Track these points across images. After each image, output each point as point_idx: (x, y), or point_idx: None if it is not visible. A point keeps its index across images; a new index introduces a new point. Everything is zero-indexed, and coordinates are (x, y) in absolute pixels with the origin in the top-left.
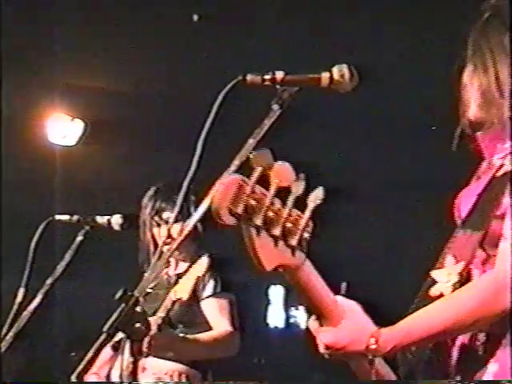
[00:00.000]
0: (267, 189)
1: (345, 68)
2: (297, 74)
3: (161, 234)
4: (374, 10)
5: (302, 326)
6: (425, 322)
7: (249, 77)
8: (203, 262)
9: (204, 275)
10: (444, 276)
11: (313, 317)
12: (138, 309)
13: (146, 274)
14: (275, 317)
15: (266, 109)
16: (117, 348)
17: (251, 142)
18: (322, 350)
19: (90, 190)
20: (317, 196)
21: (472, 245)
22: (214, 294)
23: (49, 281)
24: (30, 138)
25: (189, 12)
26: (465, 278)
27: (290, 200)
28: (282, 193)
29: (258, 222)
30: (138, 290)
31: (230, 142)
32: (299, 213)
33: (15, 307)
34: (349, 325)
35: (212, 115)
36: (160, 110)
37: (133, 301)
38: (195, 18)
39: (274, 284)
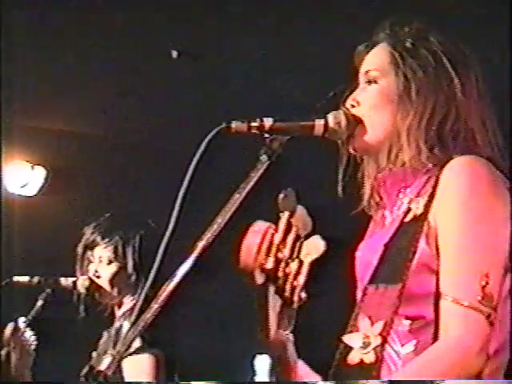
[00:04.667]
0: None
1: (341, 115)
2: (287, 121)
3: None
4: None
5: None
6: None
7: (234, 124)
8: None
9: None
10: (359, 340)
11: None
12: None
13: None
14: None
15: (253, 160)
16: None
17: (237, 196)
18: None
19: (53, 246)
20: (316, 248)
21: (390, 300)
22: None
23: (3, 352)
24: None
25: (167, 48)
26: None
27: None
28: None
29: (278, 280)
30: (104, 364)
31: (212, 197)
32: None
33: None
34: None
35: (192, 166)
36: (132, 156)
37: (102, 377)
38: (174, 54)
39: (260, 353)
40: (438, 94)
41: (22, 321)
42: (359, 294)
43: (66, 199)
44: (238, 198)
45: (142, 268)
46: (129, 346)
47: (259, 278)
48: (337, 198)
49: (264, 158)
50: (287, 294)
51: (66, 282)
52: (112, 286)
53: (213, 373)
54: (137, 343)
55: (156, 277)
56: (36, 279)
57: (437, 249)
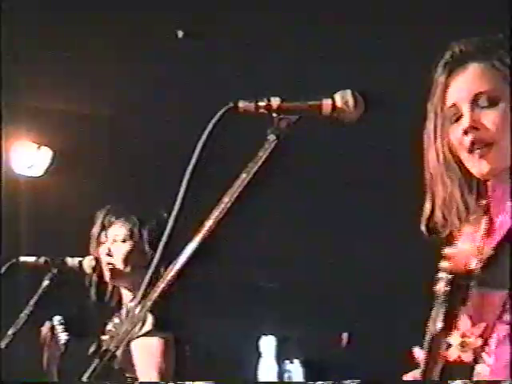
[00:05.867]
0: None
1: (349, 94)
2: (295, 100)
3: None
4: (383, 29)
5: (297, 380)
6: None
7: (241, 104)
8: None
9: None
10: (456, 339)
11: None
12: (115, 365)
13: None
14: (267, 371)
15: (261, 139)
16: None
17: (244, 176)
18: None
19: (60, 227)
20: None
21: (494, 304)
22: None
23: (11, 331)
24: None
25: (173, 28)
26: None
27: None
28: None
29: None
30: (113, 343)
31: (219, 177)
32: None
33: None
34: None
35: (199, 146)
36: (139, 137)
37: (108, 356)
38: (180, 34)
39: (266, 334)
40: None
41: (57, 319)
42: None
43: (72, 180)
44: (245, 178)
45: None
46: (135, 325)
47: None
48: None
49: (272, 137)
50: None
51: (72, 262)
52: (125, 265)
53: (219, 354)
54: (148, 326)
55: (163, 256)
56: (42, 259)
57: None
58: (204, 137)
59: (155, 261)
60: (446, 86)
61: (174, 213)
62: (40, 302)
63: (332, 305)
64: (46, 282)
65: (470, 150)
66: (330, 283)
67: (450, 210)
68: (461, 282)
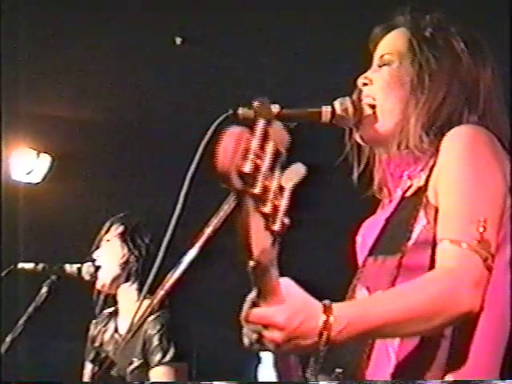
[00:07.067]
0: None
1: (348, 102)
2: (294, 107)
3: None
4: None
5: None
6: (380, 306)
7: (241, 110)
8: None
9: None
10: None
11: (253, 296)
12: (114, 373)
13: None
14: (266, 376)
15: None
16: None
17: None
18: (270, 340)
19: (58, 233)
20: (297, 172)
21: (388, 271)
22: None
23: (9, 338)
24: None
25: (171, 34)
26: None
27: (278, 171)
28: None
29: (256, 190)
30: (112, 350)
31: (218, 184)
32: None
33: None
34: (296, 301)
35: (199, 153)
36: (137, 143)
37: (107, 363)
38: (178, 41)
39: None
40: (451, 86)
41: None
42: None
43: (70, 186)
44: None
45: (151, 254)
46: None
47: (237, 183)
48: (343, 183)
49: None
50: (268, 210)
51: (70, 268)
52: (121, 270)
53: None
54: (168, 356)
55: (162, 264)
56: (41, 266)
57: (435, 219)
58: (203, 144)
59: (154, 268)
60: (376, 45)
61: (174, 220)
62: (38, 308)
63: None
64: (44, 289)
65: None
66: (329, 288)
67: None
68: None
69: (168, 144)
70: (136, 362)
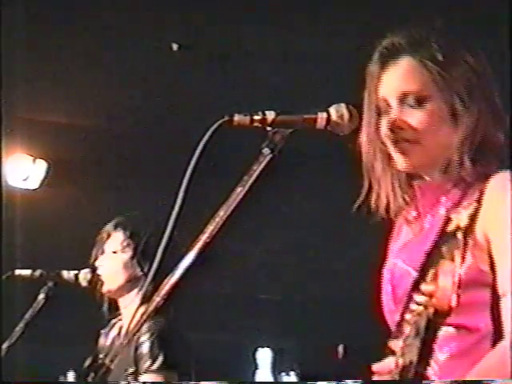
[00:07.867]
0: None
1: (343, 108)
2: (290, 114)
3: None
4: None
5: None
6: None
7: (236, 117)
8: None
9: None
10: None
11: None
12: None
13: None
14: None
15: (255, 153)
16: None
17: (239, 190)
18: None
19: (55, 239)
20: None
21: None
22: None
23: (5, 345)
24: None
25: (168, 40)
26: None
27: None
28: None
29: None
30: (108, 356)
31: (214, 190)
32: None
33: None
34: None
35: (194, 160)
36: (134, 149)
37: (103, 370)
38: (175, 47)
39: (262, 346)
40: (480, 104)
41: None
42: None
43: (67, 192)
44: (240, 192)
45: (150, 260)
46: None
47: None
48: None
49: (266, 151)
50: None
51: (68, 274)
52: (122, 275)
53: (216, 366)
54: (157, 364)
55: (158, 270)
56: (38, 272)
57: (490, 259)
58: (199, 150)
59: (151, 274)
60: (378, 79)
61: (170, 226)
62: (36, 315)
63: (328, 317)
64: (41, 295)
65: (395, 143)
66: (325, 295)
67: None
68: (441, 319)
69: (164, 150)
70: (130, 370)
